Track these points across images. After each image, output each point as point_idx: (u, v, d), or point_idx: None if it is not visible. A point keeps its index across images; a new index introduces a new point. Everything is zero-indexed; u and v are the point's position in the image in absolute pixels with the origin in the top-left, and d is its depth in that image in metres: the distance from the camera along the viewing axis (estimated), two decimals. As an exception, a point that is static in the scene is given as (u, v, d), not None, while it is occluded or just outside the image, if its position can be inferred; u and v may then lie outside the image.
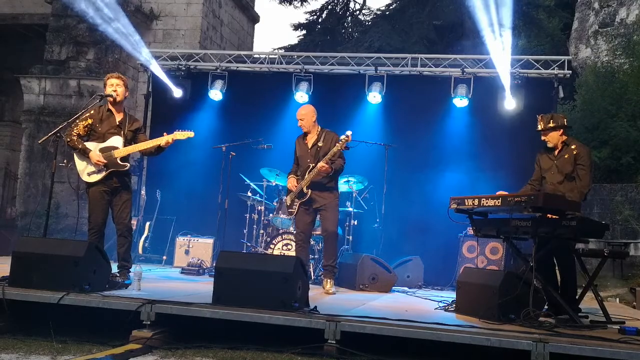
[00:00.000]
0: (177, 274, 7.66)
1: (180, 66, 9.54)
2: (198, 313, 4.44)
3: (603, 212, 13.37)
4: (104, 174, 5.72)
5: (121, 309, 4.48)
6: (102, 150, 5.73)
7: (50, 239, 5.67)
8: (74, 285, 4.70)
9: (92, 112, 5.85)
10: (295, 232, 6.69)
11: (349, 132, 6.18)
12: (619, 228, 12.91)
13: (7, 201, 14.53)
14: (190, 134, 5.93)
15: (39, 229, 9.41)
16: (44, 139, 6.03)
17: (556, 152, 5.56)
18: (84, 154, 5.73)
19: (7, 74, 14.60)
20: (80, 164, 5.78)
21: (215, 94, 9.42)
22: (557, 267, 5.53)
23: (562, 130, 5.51)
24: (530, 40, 20.10)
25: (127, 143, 5.82)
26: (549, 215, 4.86)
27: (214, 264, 5.92)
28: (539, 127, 5.59)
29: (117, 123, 5.83)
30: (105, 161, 5.68)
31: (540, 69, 8.71)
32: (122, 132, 5.80)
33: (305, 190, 6.40)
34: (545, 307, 5.22)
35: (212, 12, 14.48)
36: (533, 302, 4.65)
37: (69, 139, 5.75)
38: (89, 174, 5.75)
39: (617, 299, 8.57)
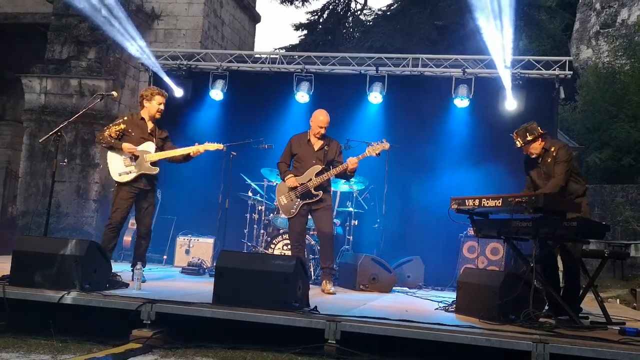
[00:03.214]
0: (177, 274, 7.66)
1: (181, 66, 9.55)
2: (198, 313, 4.44)
3: (603, 212, 13.38)
4: (134, 175, 5.92)
5: (121, 308, 4.49)
6: None
7: (50, 238, 5.68)
8: (75, 285, 4.71)
9: (125, 118, 6.17)
10: (291, 234, 6.60)
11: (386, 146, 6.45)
12: (619, 229, 12.92)
13: (8, 200, 14.53)
14: (220, 146, 6.17)
15: (39, 228, 9.41)
16: (45, 138, 6.10)
17: (540, 160, 5.58)
18: (117, 149, 5.95)
19: (8, 73, 14.58)
20: (112, 163, 5.99)
21: (216, 93, 9.42)
22: (560, 268, 5.53)
23: (540, 139, 5.53)
24: (531, 41, 20.11)
25: (157, 150, 6.07)
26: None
27: (215, 264, 5.93)
28: (518, 144, 5.60)
29: (149, 131, 6.08)
30: (136, 149, 5.91)
31: (541, 70, 8.70)
32: (154, 139, 6.05)
33: (315, 192, 6.40)
34: (546, 307, 5.23)
35: (214, 11, 14.48)
36: (533, 303, 4.65)
37: (100, 138, 6.02)
38: (120, 174, 5.95)
39: (618, 300, 8.57)
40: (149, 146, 6.00)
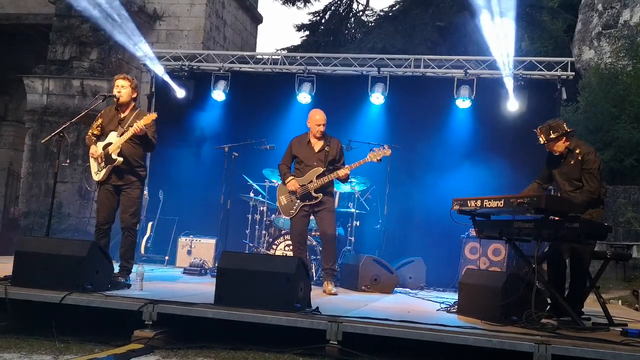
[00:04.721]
0: (179, 274, 7.66)
1: (183, 66, 9.54)
2: (200, 313, 4.45)
3: (605, 214, 13.33)
4: (104, 171, 5.79)
5: (123, 309, 4.49)
6: (103, 147, 5.82)
7: (52, 239, 5.69)
8: (77, 285, 4.71)
9: (103, 111, 6.03)
10: (292, 234, 6.63)
11: (387, 152, 6.56)
12: (621, 230, 12.88)
13: (10, 201, 14.55)
14: (153, 115, 5.87)
15: (41, 229, 9.42)
16: (47, 138, 6.08)
17: (562, 160, 5.51)
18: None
19: (11, 73, 14.61)
20: (92, 164, 5.92)
21: (218, 94, 9.42)
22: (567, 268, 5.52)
23: (564, 138, 5.42)
24: (533, 42, 20.06)
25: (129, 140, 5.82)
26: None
27: (216, 265, 5.93)
28: (541, 141, 5.49)
29: (119, 120, 5.89)
30: (100, 152, 5.78)
31: (543, 71, 8.69)
32: (119, 128, 5.83)
33: (315, 194, 6.41)
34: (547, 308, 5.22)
35: (216, 12, 14.48)
36: (535, 304, 4.64)
37: (87, 139, 5.95)
38: (96, 173, 5.87)
39: (620, 301, 8.55)
40: (111, 137, 5.81)
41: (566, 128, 5.43)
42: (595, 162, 5.29)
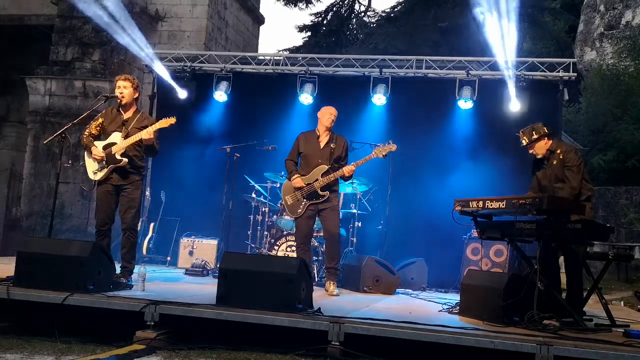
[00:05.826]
0: (181, 275, 7.67)
1: (185, 67, 9.56)
2: (202, 314, 4.45)
3: (608, 214, 13.33)
4: (105, 170, 5.77)
5: (125, 309, 4.50)
6: (104, 147, 5.81)
7: (54, 239, 5.70)
8: (79, 286, 4.72)
9: (104, 112, 6.01)
10: (297, 235, 6.62)
11: (393, 147, 6.50)
12: (623, 231, 12.87)
13: (12, 201, 14.56)
14: (172, 120, 5.81)
15: (44, 230, 9.43)
16: (49, 139, 6.09)
17: (546, 162, 5.60)
18: (90, 152, 5.83)
19: (13, 74, 14.63)
20: (88, 163, 5.89)
21: (220, 95, 9.43)
22: (563, 270, 5.53)
23: (545, 138, 5.58)
24: (535, 43, 20.07)
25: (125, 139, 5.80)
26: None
27: (218, 265, 5.93)
28: (524, 143, 5.67)
29: (123, 120, 5.88)
30: (102, 155, 5.75)
31: (545, 72, 8.69)
32: (123, 129, 5.81)
33: (321, 192, 6.40)
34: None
35: (217, 13, 14.48)
36: (537, 305, 4.64)
37: (82, 139, 5.90)
38: (94, 172, 5.84)
39: (622, 302, 8.53)
40: (115, 137, 5.78)
41: (546, 130, 5.61)
42: (576, 159, 5.43)
